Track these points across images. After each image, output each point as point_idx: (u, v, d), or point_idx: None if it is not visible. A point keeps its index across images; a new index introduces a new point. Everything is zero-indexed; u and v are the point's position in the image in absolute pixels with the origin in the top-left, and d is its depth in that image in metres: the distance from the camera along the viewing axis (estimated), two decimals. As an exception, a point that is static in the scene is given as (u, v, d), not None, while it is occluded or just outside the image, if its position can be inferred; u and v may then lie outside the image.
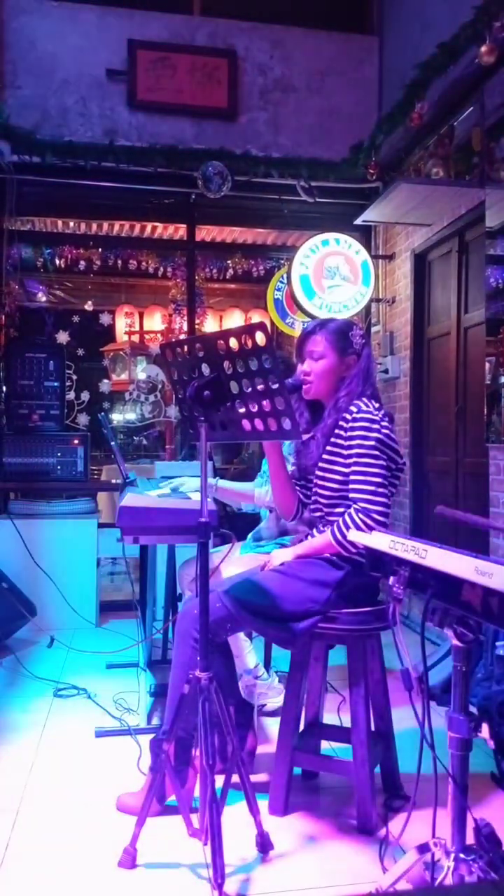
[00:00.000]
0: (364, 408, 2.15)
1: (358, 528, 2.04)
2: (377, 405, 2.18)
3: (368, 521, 2.05)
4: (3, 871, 1.90)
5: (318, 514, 2.28)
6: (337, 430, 2.18)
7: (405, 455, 4.37)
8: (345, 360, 2.26)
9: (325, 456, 2.20)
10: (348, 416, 2.16)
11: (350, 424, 2.15)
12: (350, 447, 2.14)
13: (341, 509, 2.16)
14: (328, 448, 2.19)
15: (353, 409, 2.15)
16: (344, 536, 2.09)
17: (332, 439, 2.19)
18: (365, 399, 2.18)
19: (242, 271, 5.93)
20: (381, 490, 2.10)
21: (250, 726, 2.45)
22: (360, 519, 2.06)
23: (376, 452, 2.11)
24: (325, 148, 4.77)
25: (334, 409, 2.21)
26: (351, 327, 2.30)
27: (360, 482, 2.11)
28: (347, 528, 2.07)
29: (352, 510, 2.09)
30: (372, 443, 2.11)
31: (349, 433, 2.14)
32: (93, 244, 5.61)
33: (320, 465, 2.21)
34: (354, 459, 2.12)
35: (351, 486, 2.13)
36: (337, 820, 2.19)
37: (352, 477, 2.13)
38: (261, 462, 3.14)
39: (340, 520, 2.11)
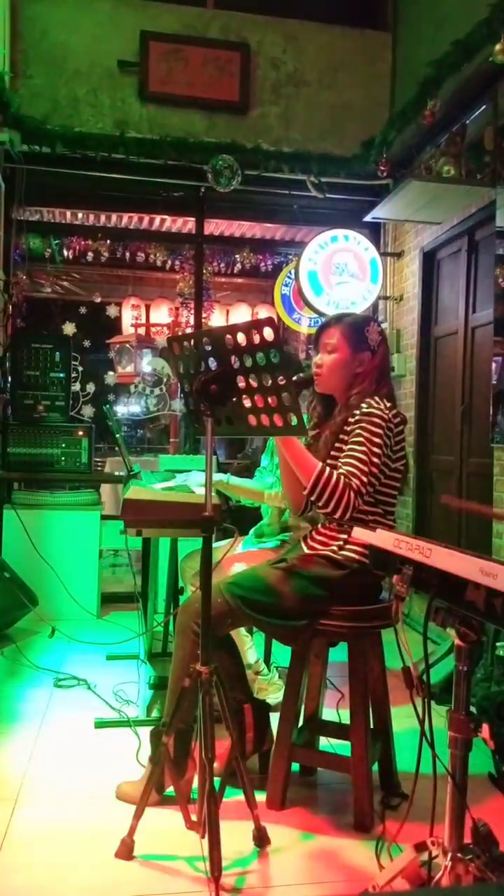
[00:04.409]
0: (375, 405, 2.11)
1: (339, 499, 2.00)
2: (389, 405, 2.15)
3: (347, 489, 2.01)
4: (1, 859, 1.91)
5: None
6: (345, 428, 2.15)
7: (409, 454, 4.37)
8: (358, 355, 2.22)
9: (332, 453, 2.17)
10: (357, 413, 2.13)
11: (357, 419, 2.12)
12: (351, 432, 2.11)
13: None
14: (336, 445, 2.17)
15: (364, 405, 2.12)
16: (322, 484, 2.02)
17: (341, 436, 2.16)
18: (377, 398, 2.14)
19: (250, 266, 5.93)
20: (373, 469, 2.05)
21: (268, 727, 2.38)
22: (348, 490, 2.01)
23: (379, 430, 2.07)
24: (336, 144, 4.75)
25: (345, 407, 2.18)
26: (368, 323, 2.27)
27: (352, 452, 2.07)
28: (328, 484, 2.02)
29: (345, 475, 2.05)
30: (377, 430, 2.07)
31: (353, 426, 2.12)
32: (101, 236, 5.62)
33: (328, 462, 2.18)
34: (353, 436, 2.09)
35: (343, 457, 2.10)
36: (334, 816, 2.19)
37: (346, 449, 2.10)
38: (262, 458, 3.14)
39: (331, 470, 2.06)
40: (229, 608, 2.13)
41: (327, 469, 2.05)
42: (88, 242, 5.63)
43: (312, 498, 2.05)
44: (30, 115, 4.34)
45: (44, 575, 4.05)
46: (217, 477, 2.77)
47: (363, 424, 2.10)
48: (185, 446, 5.94)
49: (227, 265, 5.99)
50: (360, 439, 2.08)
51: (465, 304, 4.09)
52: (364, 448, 2.07)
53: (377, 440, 2.08)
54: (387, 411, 2.12)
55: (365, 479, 2.05)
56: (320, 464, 2.06)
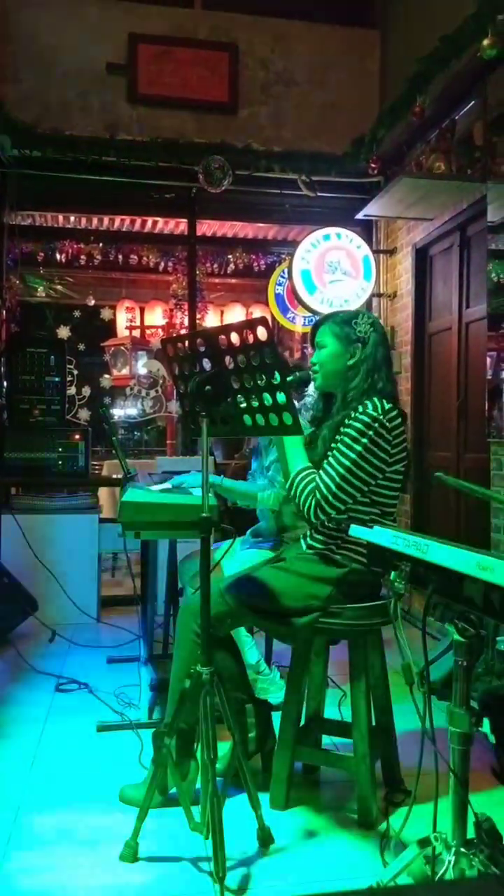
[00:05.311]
0: (371, 409, 2.07)
1: (304, 501, 2.08)
2: (388, 406, 2.10)
3: (315, 505, 2.06)
4: (5, 864, 1.91)
5: None
6: (342, 428, 2.12)
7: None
8: (349, 348, 2.19)
9: (328, 453, 2.14)
10: (353, 414, 2.10)
11: (349, 421, 2.09)
12: (342, 436, 2.10)
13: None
14: (332, 445, 2.14)
15: (361, 407, 2.09)
16: (295, 483, 2.11)
17: (337, 436, 2.12)
18: (375, 399, 2.10)
19: (243, 266, 5.92)
20: (351, 479, 2.05)
21: (270, 727, 2.39)
22: (312, 497, 2.07)
23: (364, 440, 2.05)
24: (326, 142, 4.75)
25: (343, 405, 2.16)
26: (357, 315, 2.24)
27: (330, 461, 2.08)
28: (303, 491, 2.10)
29: (316, 481, 2.09)
30: (362, 439, 2.05)
31: (343, 431, 2.10)
32: (93, 239, 5.60)
33: (324, 463, 2.18)
34: (339, 443, 2.08)
35: (324, 463, 2.11)
36: (338, 814, 2.19)
37: (329, 455, 2.10)
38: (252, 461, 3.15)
39: (309, 473, 2.11)
40: (229, 608, 2.13)
41: (306, 471, 2.10)
42: (81, 246, 5.62)
43: (291, 494, 2.14)
44: (20, 118, 4.33)
45: (43, 579, 4.04)
46: (210, 479, 2.76)
47: (349, 431, 2.08)
48: (182, 448, 5.93)
49: (220, 266, 5.98)
50: (344, 449, 2.07)
51: (458, 300, 4.09)
52: (341, 461, 2.07)
53: (358, 448, 2.06)
54: (381, 414, 2.07)
55: (334, 488, 2.05)
56: (304, 464, 2.12)
